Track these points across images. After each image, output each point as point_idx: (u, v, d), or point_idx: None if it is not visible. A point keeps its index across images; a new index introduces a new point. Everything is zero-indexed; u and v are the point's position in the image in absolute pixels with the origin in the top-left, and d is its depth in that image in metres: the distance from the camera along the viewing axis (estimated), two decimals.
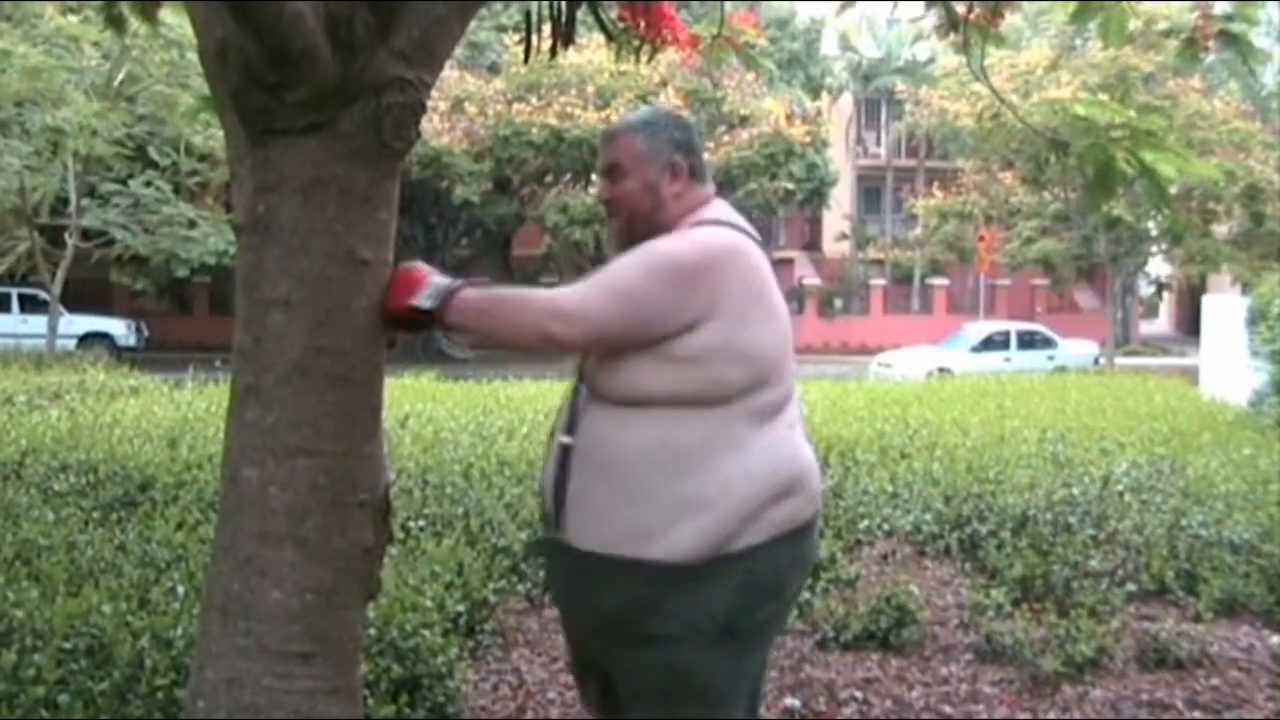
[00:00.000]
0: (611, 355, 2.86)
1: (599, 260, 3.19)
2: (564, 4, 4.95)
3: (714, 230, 2.99)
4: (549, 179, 34.92)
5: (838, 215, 48.33)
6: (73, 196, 25.10)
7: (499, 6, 33.69)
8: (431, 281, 2.87)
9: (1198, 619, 6.12)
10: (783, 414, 2.93)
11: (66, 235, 25.74)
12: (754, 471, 2.82)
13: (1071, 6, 5.60)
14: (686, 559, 2.78)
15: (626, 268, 2.87)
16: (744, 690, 2.96)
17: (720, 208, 3.12)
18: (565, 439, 2.93)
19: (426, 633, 4.81)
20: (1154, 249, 37.76)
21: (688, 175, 3.09)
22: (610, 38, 5.69)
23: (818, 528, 3.09)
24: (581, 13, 5.12)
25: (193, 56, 18.90)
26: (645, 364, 2.81)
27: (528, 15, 5.19)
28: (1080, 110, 4.93)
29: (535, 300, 2.84)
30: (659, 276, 2.83)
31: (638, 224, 3.04)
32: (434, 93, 3.04)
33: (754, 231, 3.09)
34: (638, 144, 3.07)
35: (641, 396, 2.82)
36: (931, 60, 41.79)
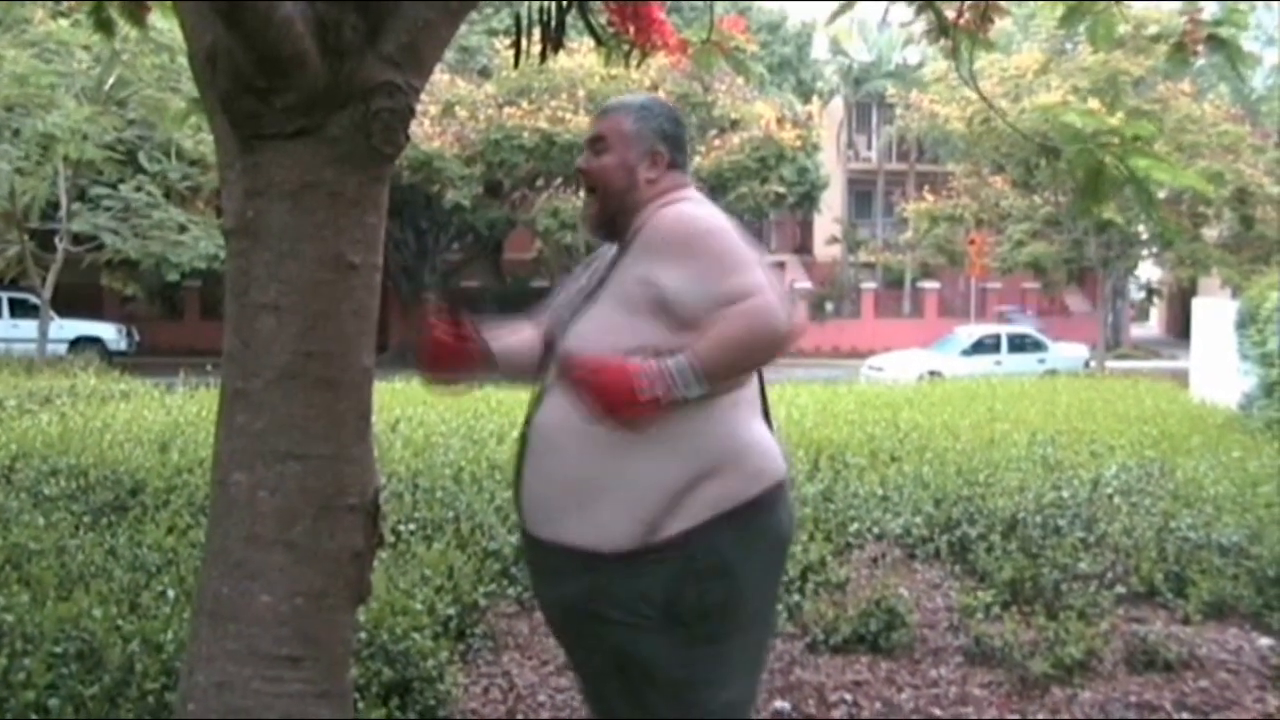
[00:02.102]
0: (610, 325, 2.88)
1: (591, 248, 3.19)
2: (553, 8, 4.97)
3: (705, 204, 3.07)
4: (540, 183, 34.90)
5: (829, 219, 48.34)
6: (63, 201, 25.06)
7: (489, 11, 33.73)
8: (645, 369, 2.74)
9: (1186, 621, 6.14)
10: (731, 394, 2.93)
11: (57, 239, 25.69)
12: (680, 451, 2.83)
13: (1060, 10, 5.62)
14: (619, 546, 2.81)
15: (714, 252, 2.86)
16: (713, 676, 2.92)
17: (693, 192, 3.14)
18: (525, 428, 3.00)
19: (417, 636, 4.81)
20: (1144, 252, 37.83)
21: (666, 165, 3.11)
22: (600, 42, 5.70)
23: (777, 508, 3.02)
24: (571, 17, 5.13)
25: (183, 61, 18.78)
26: (655, 333, 2.84)
27: (517, 19, 5.20)
28: (1072, 118, 4.94)
29: (755, 330, 2.78)
30: (718, 233, 2.90)
31: (610, 200, 3.09)
32: (425, 97, 3.06)
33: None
34: (626, 124, 3.11)
35: None
36: (922, 64, 41.83)
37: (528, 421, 3.00)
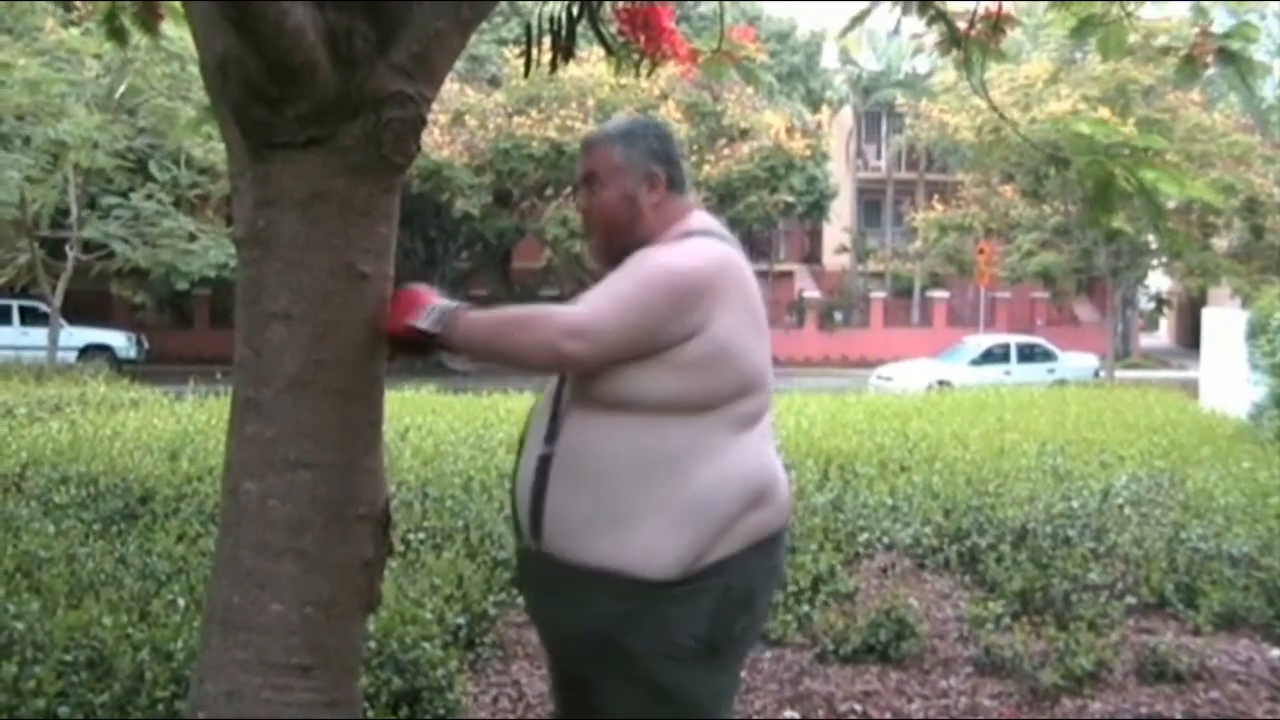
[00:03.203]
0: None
1: (598, 273, 3.15)
2: (564, 18, 4.97)
3: (705, 241, 2.98)
4: (549, 192, 34.94)
5: (838, 228, 48.35)
6: (73, 209, 25.12)
7: (499, 20, 33.79)
8: (433, 304, 2.86)
9: (1197, 632, 6.12)
10: (758, 424, 2.92)
11: (67, 248, 25.76)
12: (730, 480, 2.80)
13: (1071, 20, 5.62)
14: (667, 574, 2.75)
15: (629, 282, 2.83)
16: (726, 704, 2.95)
17: (702, 218, 3.09)
18: (545, 449, 2.89)
19: (426, 645, 4.81)
20: (1154, 262, 37.79)
21: (666, 186, 3.04)
22: (610, 51, 5.70)
23: (785, 540, 3.06)
24: (581, 26, 5.13)
25: (194, 69, 18.92)
26: (644, 369, 2.78)
27: (528, 28, 5.20)
28: (1083, 128, 4.93)
29: (542, 319, 2.80)
30: (662, 289, 2.80)
31: (616, 236, 3.02)
32: (434, 106, 3.05)
33: (735, 240, 3.08)
34: (615, 154, 3.03)
35: (633, 401, 2.79)
36: (931, 74, 41.89)
37: (548, 441, 2.90)
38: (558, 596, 2.93)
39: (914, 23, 5.92)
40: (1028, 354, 31.77)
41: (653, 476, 2.77)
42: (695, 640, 2.80)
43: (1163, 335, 59.43)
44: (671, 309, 2.79)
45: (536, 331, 2.79)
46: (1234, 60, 5.48)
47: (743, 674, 3.28)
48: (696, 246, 2.95)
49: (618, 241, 3.01)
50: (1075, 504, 7.96)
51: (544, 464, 2.88)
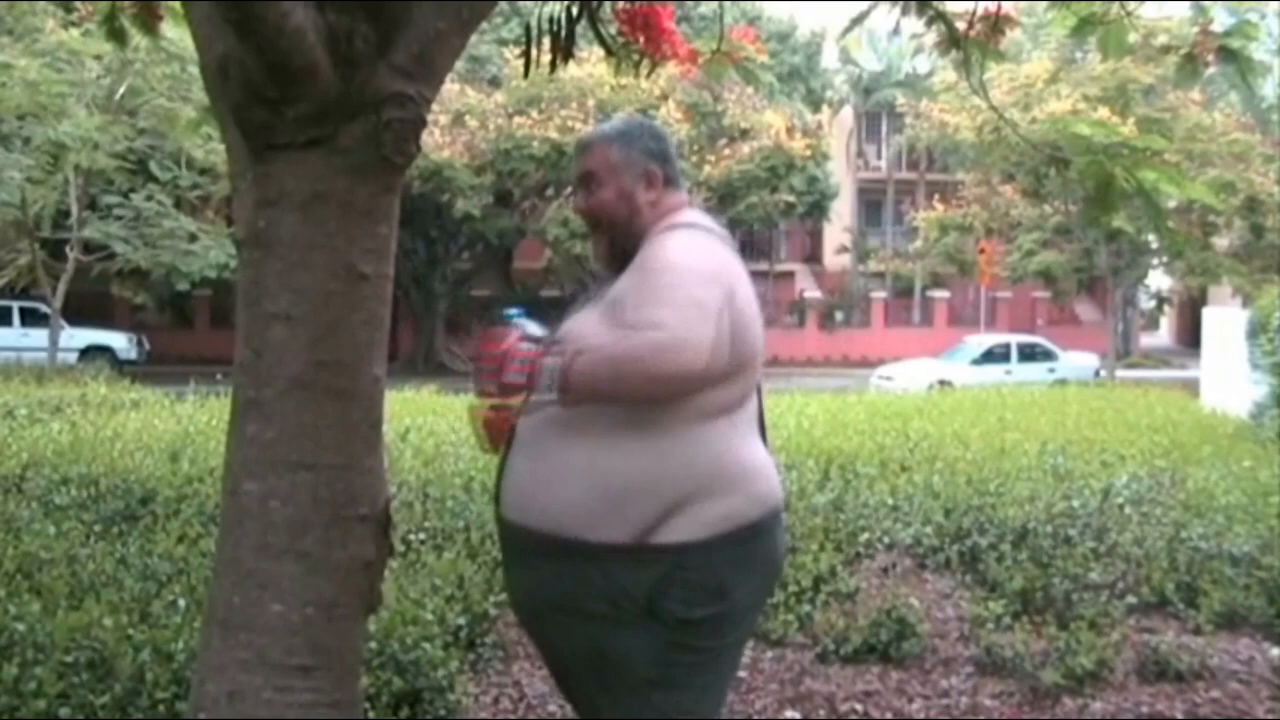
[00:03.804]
0: (597, 327, 2.88)
1: (600, 274, 3.17)
2: (564, 18, 4.97)
3: (700, 234, 3.02)
4: (550, 192, 34.94)
5: (838, 228, 48.36)
6: (74, 210, 25.14)
7: (499, 20, 33.78)
8: (544, 366, 2.77)
9: (1198, 631, 6.12)
10: (731, 414, 2.92)
11: (68, 248, 25.78)
12: (669, 461, 2.81)
13: (1072, 20, 5.62)
14: (605, 538, 2.80)
15: (672, 283, 2.80)
16: (687, 691, 2.92)
17: (691, 212, 3.12)
18: (515, 421, 2.96)
19: (427, 646, 4.81)
20: (1155, 261, 37.79)
21: (662, 183, 3.09)
22: (610, 52, 5.70)
23: (775, 533, 3.04)
24: (581, 27, 5.14)
25: (194, 70, 18.91)
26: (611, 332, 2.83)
27: (528, 29, 5.20)
28: (1082, 129, 4.93)
29: (632, 351, 2.73)
30: (702, 280, 2.82)
31: (618, 233, 3.06)
32: (435, 106, 3.05)
33: (724, 233, 3.12)
34: (612, 153, 3.08)
35: None
36: (932, 73, 41.86)
37: (519, 415, 2.98)
38: (514, 560, 3.05)
39: (914, 23, 5.93)
40: (1028, 353, 31.76)
41: (595, 450, 2.82)
42: (632, 602, 2.83)
43: (1163, 334, 59.41)
44: (694, 280, 2.82)
45: (635, 371, 2.73)
46: (1234, 59, 5.48)
47: (740, 672, 3.24)
48: (694, 239, 2.99)
49: (620, 239, 3.05)
50: (1076, 503, 7.96)
51: (511, 434, 2.98)
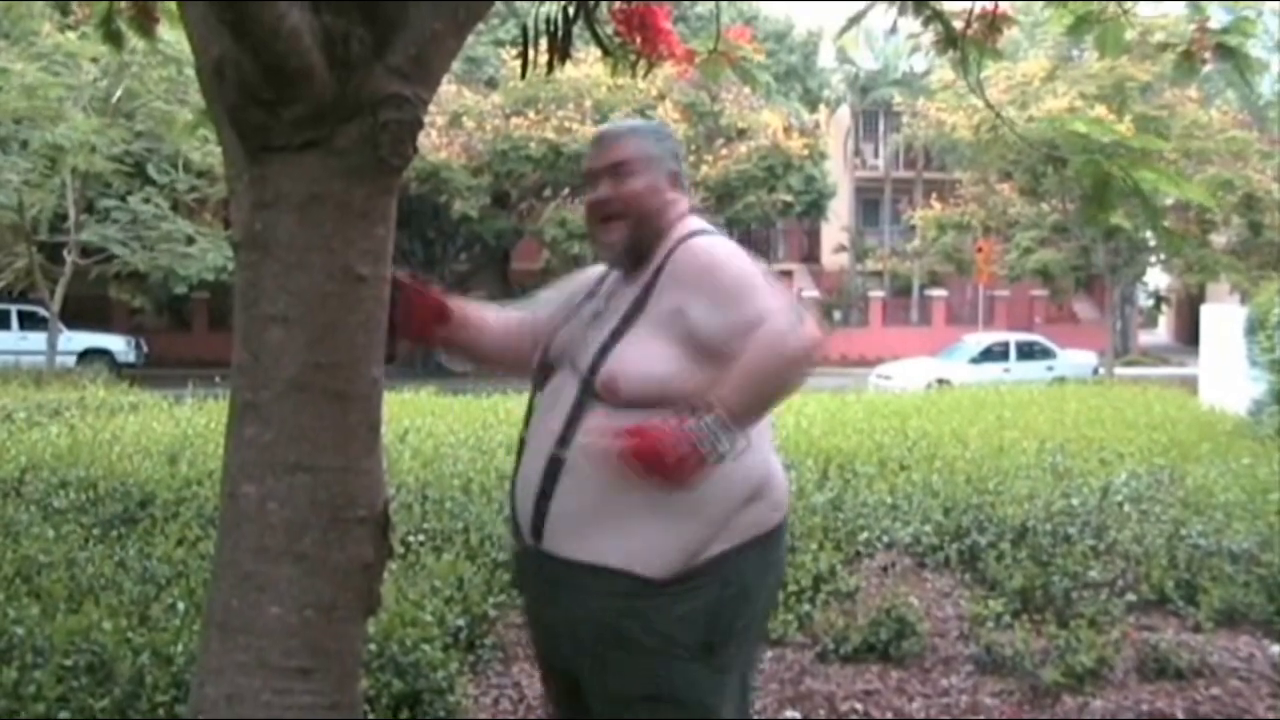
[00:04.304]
0: (649, 353, 2.86)
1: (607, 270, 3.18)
2: (560, 19, 4.97)
3: (720, 238, 3.05)
4: (547, 193, 34.95)
5: (836, 227, 48.37)
6: (71, 213, 25.14)
7: (495, 21, 33.75)
8: (703, 429, 2.69)
9: (1197, 629, 6.13)
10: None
11: (65, 252, 25.77)
12: (728, 477, 2.79)
13: (1069, 18, 5.62)
14: (664, 572, 2.78)
15: (742, 280, 2.86)
16: (729, 701, 2.93)
17: (699, 220, 3.14)
18: (557, 451, 2.89)
19: (427, 647, 4.81)
20: (1153, 259, 37.81)
21: (679, 186, 3.12)
22: (607, 52, 5.70)
23: (785, 535, 3.07)
24: (578, 27, 5.13)
25: (191, 73, 18.83)
26: (685, 363, 2.82)
27: (524, 30, 5.19)
28: (1079, 127, 4.94)
29: (763, 359, 2.75)
30: (757, 270, 2.90)
31: (644, 226, 3.03)
32: (432, 107, 3.05)
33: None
34: (647, 146, 3.09)
35: (664, 397, 2.79)
36: (929, 72, 41.91)
37: (562, 443, 2.90)
38: (555, 594, 2.95)
39: (911, 22, 5.92)
40: (1027, 352, 31.77)
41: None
42: (692, 638, 2.81)
43: (1162, 332, 59.40)
44: (750, 267, 2.90)
45: (782, 365, 2.79)
46: (1232, 56, 5.48)
47: (754, 673, 3.23)
48: (713, 237, 3.03)
49: (644, 232, 3.04)
50: (1075, 501, 7.96)
51: (554, 466, 2.90)
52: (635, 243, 3.03)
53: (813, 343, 2.79)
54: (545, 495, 2.90)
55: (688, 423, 2.69)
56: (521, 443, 3.07)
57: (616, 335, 2.93)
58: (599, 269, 3.27)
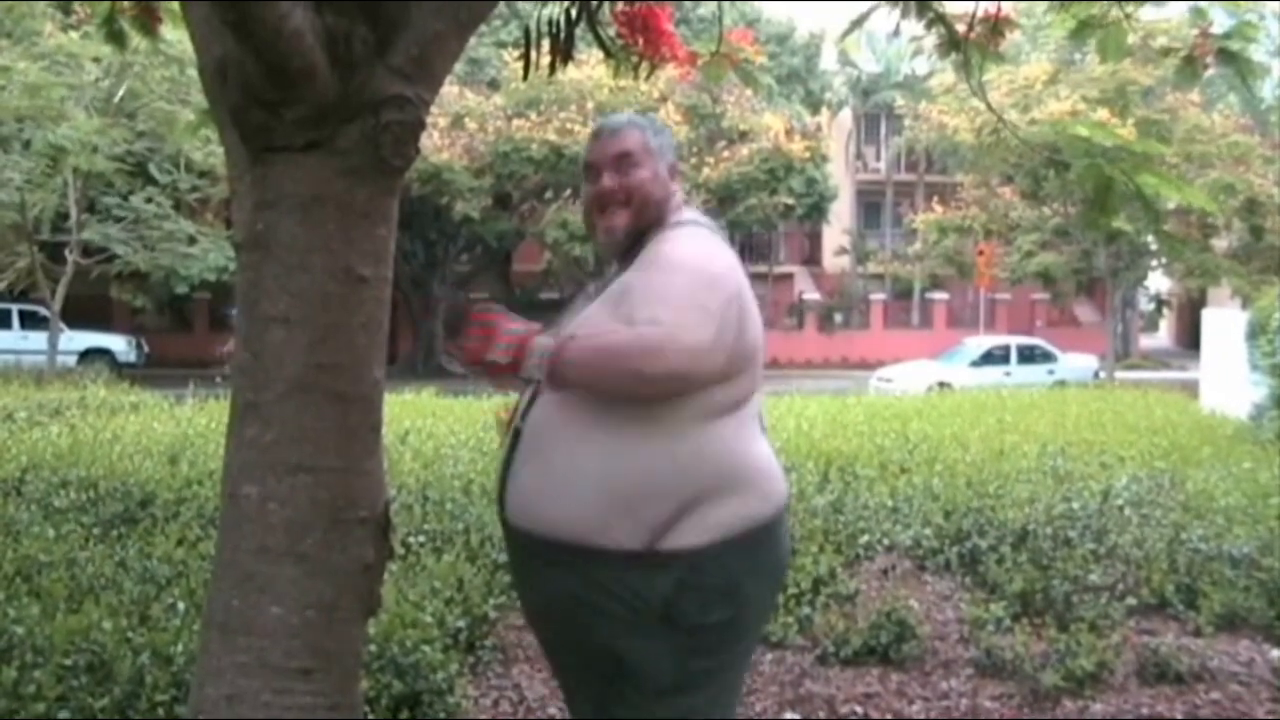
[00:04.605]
0: (595, 327, 2.86)
1: (598, 276, 3.16)
2: (562, 20, 4.97)
3: (705, 232, 3.05)
4: (549, 195, 34.93)
5: (837, 230, 48.35)
6: (73, 212, 25.13)
7: (497, 23, 33.77)
8: (535, 344, 2.78)
9: (1198, 633, 6.12)
10: (737, 411, 2.91)
11: (67, 251, 25.76)
12: (680, 461, 2.79)
13: (1071, 22, 5.62)
14: (620, 545, 2.77)
15: (679, 282, 2.82)
16: (709, 694, 2.92)
17: (693, 211, 3.16)
18: (519, 424, 2.95)
19: (427, 648, 4.81)
20: (1154, 263, 37.79)
21: (675, 177, 3.15)
22: (609, 54, 5.69)
23: (782, 533, 3.04)
24: (580, 29, 5.13)
25: (193, 73, 18.94)
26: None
27: (526, 31, 5.20)
28: (1082, 131, 4.93)
29: (624, 344, 2.75)
30: (709, 281, 2.84)
31: (646, 215, 3.04)
32: (433, 109, 3.05)
33: (721, 230, 3.17)
34: (649, 138, 3.11)
35: None
36: (930, 75, 41.86)
37: (522, 417, 2.96)
38: (525, 564, 3.01)
39: (913, 25, 5.92)
40: (1028, 355, 31.76)
41: (603, 452, 2.79)
42: (648, 608, 2.80)
43: (1163, 336, 59.42)
44: (723, 304, 2.83)
45: (624, 365, 2.75)
46: (1234, 60, 5.48)
47: (745, 674, 3.22)
48: (701, 239, 3.02)
49: (646, 220, 3.05)
50: (1076, 505, 7.96)
51: (514, 438, 2.95)
52: (635, 228, 3.05)
53: (663, 373, 2.71)
54: (507, 466, 2.96)
55: (523, 332, 2.80)
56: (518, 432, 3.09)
57: (586, 317, 2.96)
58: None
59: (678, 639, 2.84)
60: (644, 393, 2.78)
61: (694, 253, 2.92)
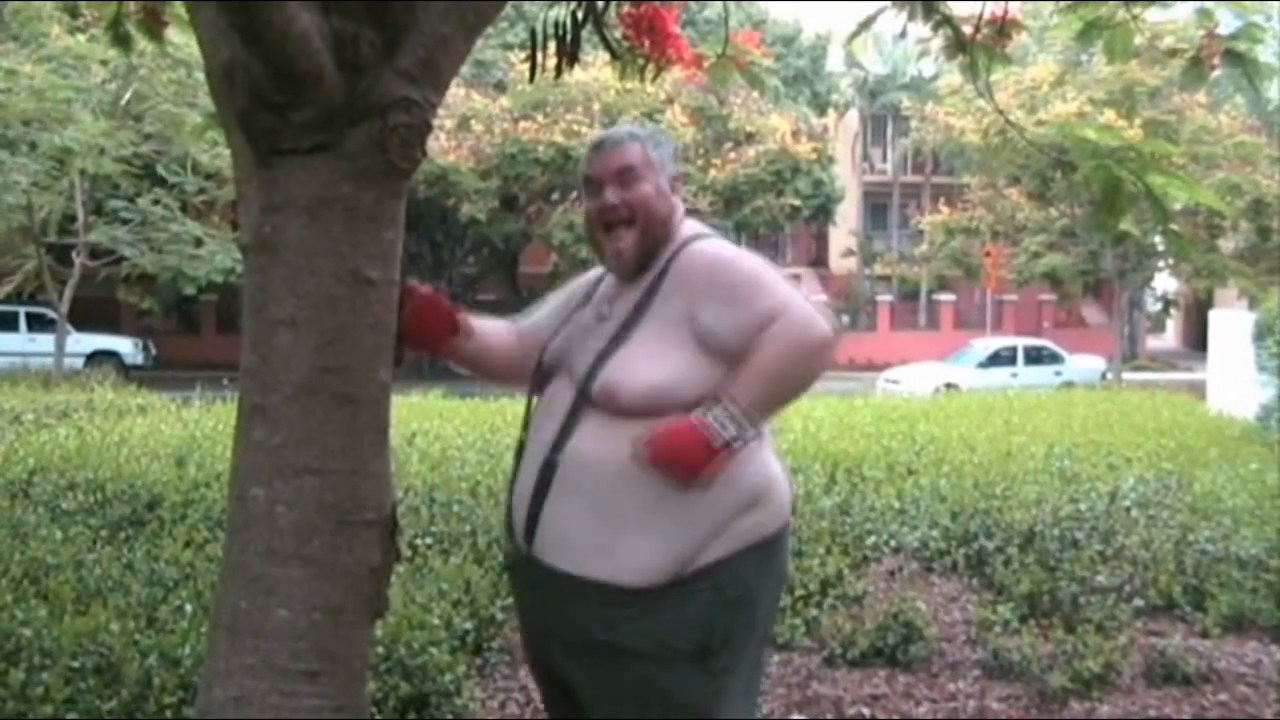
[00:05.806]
0: (651, 359, 2.83)
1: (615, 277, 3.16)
2: (569, 22, 4.97)
3: (717, 235, 3.08)
4: (555, 197, 34.96)
5: (844, 232, 48.37)
6: (80, 215, 25.16)
7: (504, 25, 33.78)
8: (712, 420, 2.72)
9: (1205, 634, 6.12)
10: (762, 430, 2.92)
11: (74, 254, 25.78)
12: (732, 482, 2.79)
13: (1078, 23, 5.61)
14: (655, 581, 2.76)
15: (751, 277, 2.87)
16: (730, 705, 2.91)
17: (697, 224, 3.14)
18: (551, 455, 2.89)
19: (434, 650, 4.82)
20: (1161, 264, 37.75)
21: (678, 190, 3.13)
22: (615, 56, 5.70)
23: (787, 539, 3.05)
24: (586, 31, 5.13)
25: (200, 76, 18.89)
26: (693, 368, 2.81)
27: (533, 33, 5.20)
28: (1089, 133, 4.93)
29: (782, 354, 2.76)
30: (757, 263, 2.92)
31: (653, 230, 3.01)
32: (440, 111, 3.05)
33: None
34: (649, 151, 3.06)
35: (664, 404, 2.77)
36: (937, 77, 41.83)
37: (556, 448, 2.89)
38: (547, 600, 2.94)
39: (920, 27, 5.92)
40: (1035, 356, 31.76)
41: (643, 484, 2.75)
42: (688, 642, 2.79)
43: (1170, 337, 59.35)
44: (759, 263, 2.93)
45: (800, 357, 2.79)
46: (1241, 62, 5.47)
47: (758, 676, 3.22)
48: (716, 241, 3.04)
49: (653, 239, 3.02)
50: (1083, 506, 7.96)
51: (547, 471, 2.88)
52: (644, 249, 3.01)
53: (829, 334, 2.78)
54: (538, 500, 2.89)
55: (694, 418, 2.71)
56: (521, 445, 3.06)
57: (616, 342, 2.91)
58: (596, 272, 3.27)
59: (710, 661, 2.83)
60: (827, 366, 2.87)
61: (732, 253, 2.95)
